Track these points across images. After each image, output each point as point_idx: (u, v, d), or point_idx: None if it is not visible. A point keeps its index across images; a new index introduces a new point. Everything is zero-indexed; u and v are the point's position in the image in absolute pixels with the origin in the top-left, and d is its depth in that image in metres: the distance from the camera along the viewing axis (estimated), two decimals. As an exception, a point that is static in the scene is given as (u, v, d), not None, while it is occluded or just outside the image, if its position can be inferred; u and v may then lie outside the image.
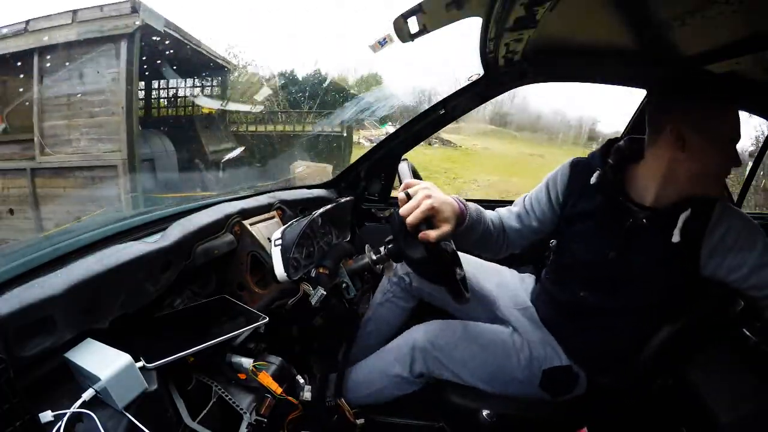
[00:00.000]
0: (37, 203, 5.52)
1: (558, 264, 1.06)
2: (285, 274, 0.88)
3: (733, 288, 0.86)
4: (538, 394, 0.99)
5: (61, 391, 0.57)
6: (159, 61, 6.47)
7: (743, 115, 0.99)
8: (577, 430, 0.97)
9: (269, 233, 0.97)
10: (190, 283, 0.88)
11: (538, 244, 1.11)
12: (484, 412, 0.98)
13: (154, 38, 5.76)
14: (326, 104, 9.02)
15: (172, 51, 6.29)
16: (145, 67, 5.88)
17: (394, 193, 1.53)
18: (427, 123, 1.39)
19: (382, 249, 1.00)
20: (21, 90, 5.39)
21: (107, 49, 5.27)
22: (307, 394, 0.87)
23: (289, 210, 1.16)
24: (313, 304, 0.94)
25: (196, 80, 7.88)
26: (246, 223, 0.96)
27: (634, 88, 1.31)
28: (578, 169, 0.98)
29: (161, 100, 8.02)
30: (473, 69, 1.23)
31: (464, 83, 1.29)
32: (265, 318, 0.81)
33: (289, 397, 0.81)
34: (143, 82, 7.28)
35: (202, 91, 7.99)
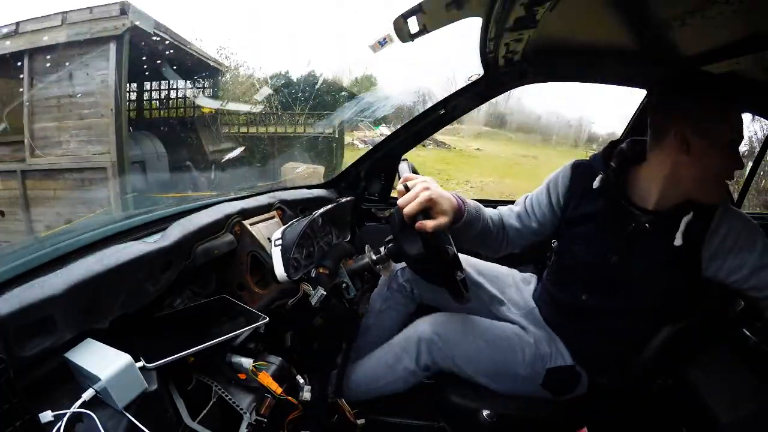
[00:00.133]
0: (27, 205, 5.50)
1: (559, 265, 1.06)
2: (285, 274, 0.88)
3: (733, 289, 0.86)
4: (540, 392, 0.99)
5: (61, 391, 0.57)
6: (149, 63, 6.45)
7: (745, 116, 0.99)
8: (577, 430, 0.97)
9: (269, 233, 0.97)
10: (190, 283, 0.88)
11: (538, 245, 1.12)
12: (485, 412, 0.98)
13: (144, 40, 5.76)
14: (319, 106, 9.00)
15: (161, 52, 6.29)
16: (135, 68, 5.87)
17: (394, 194, 1.53)
18: (427, 123, 1.39)
19: (382, 249, 1.00)
20: (11, 92, 5.39)
21: (96, 51, 5.26)
22: (306, 394, 0.86)
23: (289, 210, 1.16)
24: (313, 304, 0.94)
25: (187, 82, 7.85)
26: (246, 223, 0.95)
27: (632, 89, 1.31)
28: (579, 171, 0.98)
29: (152, 101, 8.00)
30: (473, 69, 1.23)
31: (464, 83, 1.29)
32: (265, 318, 0.81)
33: (289, 397, 0.81)
34: (134, 84, 7.28)
35: (193, 93, 7.98)
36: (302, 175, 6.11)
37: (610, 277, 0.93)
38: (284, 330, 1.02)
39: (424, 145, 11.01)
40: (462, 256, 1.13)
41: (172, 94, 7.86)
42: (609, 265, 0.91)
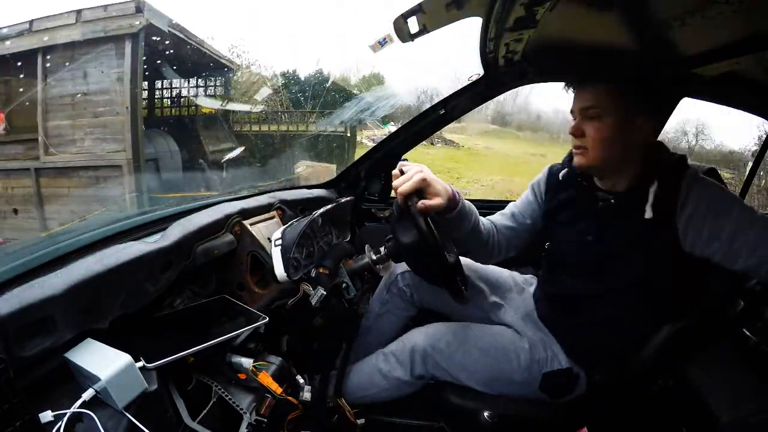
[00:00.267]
0: (41, 203, 5.53)
1: (549, 259, 1.10)
2: (285, 274, 0.88)
3: (717, 263, 0.84)
4: (538, 395, 0.99)
5: (61, 391, 0.57)
6: (163, 61, 6.47)
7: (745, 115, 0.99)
8: (577, 430, 0.97)
9: (269, 233, 0.97)
10: (190, 283, 0.88)
11: (538, 246, 1.12)
12: (485, 413, 0.98)
13: (158, 38, 5.76)
14: (329, 104, 9.02)
15: (176, 51, 6.30)
16: (149, 66, 5.88)
17: (393, 194, 1.53)
18: (427, 123, 1.39)
19: (382, 249, 1.00)
20: (25, 90, 5.39)
21: (111, 49, 5.28)
22: (306, 395, 0.87)
23: (289, 210, 1.16)
24: (313, 304, 0.94)
25: (200, 80, 7.89)
26: (246, 223, 0.96)
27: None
28: (554, 170, 1.09)
29: (165, 100, 8.02)
30: (473, 69, 1.23)
31: (464, 83, 1.30)
32: (265, 318, 0.81)
33: (289, 397, 0.81)
34: (147, 82, 7.29)
35: (205, 91, 8.01)
36: (315, 173, 6.11)
37: (589, 257, 0.96)
38: (284, 331, 1.02)
39: (432, 144, 11.02)
40: (462, 259, 1.14)
41: (185, 93, 7.88)
42: (587, 244, 0.96)
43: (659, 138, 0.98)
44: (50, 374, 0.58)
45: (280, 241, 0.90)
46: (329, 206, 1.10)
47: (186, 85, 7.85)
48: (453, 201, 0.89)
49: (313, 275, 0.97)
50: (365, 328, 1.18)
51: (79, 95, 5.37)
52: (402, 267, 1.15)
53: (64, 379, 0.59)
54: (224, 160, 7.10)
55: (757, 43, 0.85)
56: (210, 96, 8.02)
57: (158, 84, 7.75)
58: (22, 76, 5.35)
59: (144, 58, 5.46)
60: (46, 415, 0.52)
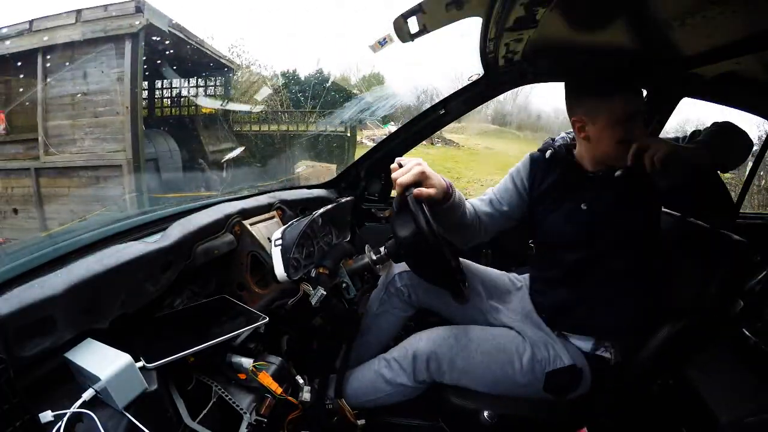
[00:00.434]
0: (41, 203, 5.52)
1: (540, 247, 1.15)
2: (285, 274, 0.88)
3: None
4: (542, 395, 0.99)
5: (61, 391, 0.57)
6: (163, 61, 6.47)
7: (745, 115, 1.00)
8: (577, 430, 0.97)
9: (269, 233, 0.97)
10: (190, 283, 0.88)
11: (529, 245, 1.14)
12: (485, 413, 0.98)
13: (158, 38, 5.75)
14: (328, 104, 9.01)
15: (176, 50, 6.29)
16: (149, 66, 5.87)
17: (394, 193, 1.53)
18: (428, 123, 1.39)
19: (382, 249, 1.00)
20: (25, 90, 5.39)
21: (111, 49, 5.26)
22: (306, 395, 0.86)
23: (289, 210, 1.16)
24: (313, 304, 0.94)
25: (200, 80, 7.88)
26: (246, 223, 0.95)
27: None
28: (536, 157, 1.14)
29: (165, 99, 8.01)
30: (473, 69, 1.23)
31: (465, 83, 1.30)
32: (265, 318, 0.81)
33: (289, 397, 0.81)
34: (147, 82, 7.27)
35: (205, 91, 8.00)
36: (316, 173, 6.11)
37: (583, 225, 1.01)
38: (284, 331, 1.02)
39: (432, 143, 11.00)
40: (460, 260, 1.14)
41: (185, 92, 7.88)
42: (579, 213, 1.02)
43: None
44: (50, 374, 0.58)
45: (280, 241, 0.90)
46: (329, 206, 1.10)
47: (186, 84, 7.84)
48: (447, 193, 0.92)
49: (313, 275, 0.97)
50: (364, 328, 1.18)
51: (79, 95, 5.35)
52: (400, 267, 1.15)
53: (64, 379, 0.59)
54: (224, 160, 7.09)
55: (757, 43, 0.85)
56: (210, 96, 8.01)
57: (158, 84, 7.74)
58: (22, 76, 5.34)
59: (144, 58, 5.45)
60: (46, 415, 0.52)
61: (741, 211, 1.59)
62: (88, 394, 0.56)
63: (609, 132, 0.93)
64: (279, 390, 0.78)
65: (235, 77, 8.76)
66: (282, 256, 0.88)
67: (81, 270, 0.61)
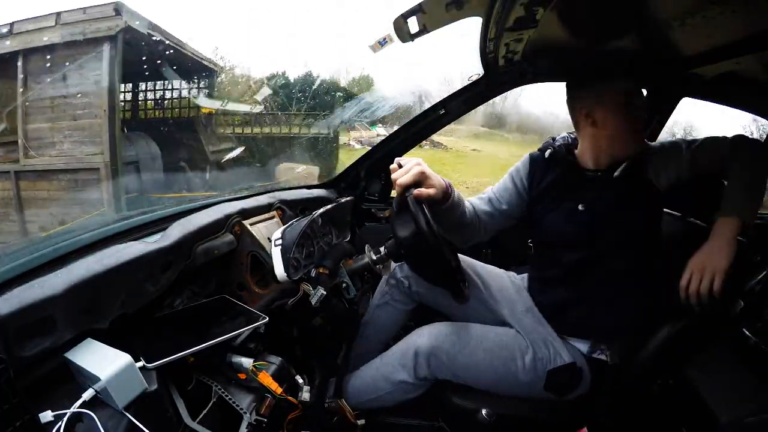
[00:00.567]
0: (21, 206, 5.48)
1: (539, 247, 1.15)
2: (285, 274, 0.88)
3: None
4: (543, 394, 0.99)
5: (61, 391, 0.57)
6: (143, 64, 6.41)
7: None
8: (577, 430, 0.97)
9: (269, 233, 0.97)
10: (190, 283, 0.88)
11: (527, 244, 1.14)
12: (483, 411, 0.98)
13: (138, 40, 5.72)
14: (317, 107, 8.98)
15: (155, 53, 6.25)
16: (129, 69, 5.83)
17: (394, 193, 1.53)
18: (428, 123, 1.39)
19: (382, 249, 1.00)
20: (4, 93, 5.37)
21: (90, 52, 5.23)
22: (306, 395, 0.86)
23: (289, 210, 1.16)
24: (313, 304, 0.94)
25: (182, 82, 7.78)
26: (246, 223, 0.96)
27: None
28: (535, 157, 1.15)
29: (149, 102, 7.94)
30: (473, 69, 1.23)
31: (464, 83, 1.30)
32: (265, 318, 0.81)
33: (289, 397, 0.81)
34: (130, 84, 7.23)
35: (189, 93, 7.93)
36: (297, 176, 6.12)
37: (581, 226, 1.02)
38: (284, 331, 1.02)
39: (420, 146, 10.98)
40: (461, 257, 1.13)
41: (168, 95, 7.82)
42: (578, 214, 1.03)
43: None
44: (50, 374, 0.58)
45: (280, 241, 0.90)
46: (329, 206, 1.10)
47: (168, 87, 7.76)
48: (447, 193, 0.93)
49: (313, 275, 0.97)
50: (364, 323, 1.18)
51: (58, 98, 5.32)
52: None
53: (64, 379, 0.59)
54: (207, 162, 7.06)
55: (757, 43, 0.85)
56: (193, 98, 7.95)
57: (142, 86, 7.66)
58: (2, 79, 5.31)
59: (123, 60, 5.41)
60: (46, 415, 0.52)
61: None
62: (88, 394, 0.56)
63: (614, 113, 0.97)
64: (279, 390, 0.78)
65: (219, 79, 8.68)
66: (282, 256, 0.88)
67: (81, 270, 0.61)
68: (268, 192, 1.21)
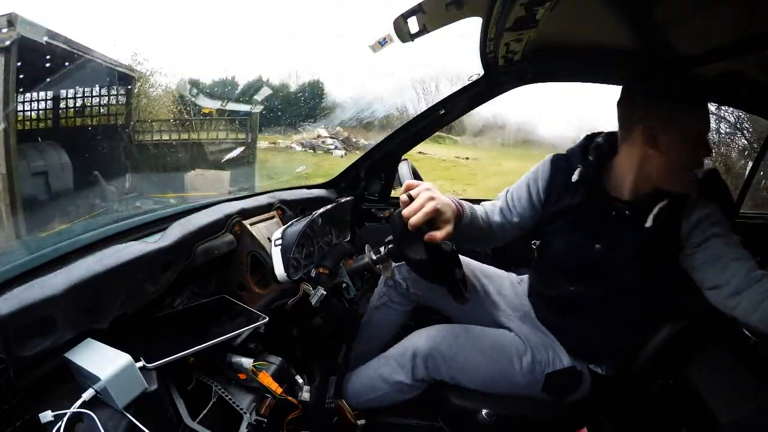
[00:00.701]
0: None
1: (542, 261, 1.07)
2: (285, 274, 0.88)
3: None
4: (541, 396, 0.99)
5: (61, 391, 0.57)
6: (47, 73, 6.37)
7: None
8: (577, 430, 0.96)
9: (269, 233, 0.97)
10: (190, 283, 0.88)
11: (528, 246, 1.12)
12: (483, 411, 0.98)
13: (38, 50, 5.68)
14: (235, 111, 8.87)
15: (58, 61, 6.16)
16: (30, 79, 5.76)
17: (394, 194, 1.53)
18: (427, 123, 1.39)
19: (382, 249, 1.00)
20: None
21: None
22: (306, 395, 0.86)
23: (289, 210, 1.16)
24: (313, 304, 0.94)
25: (95, 89, 7.60)
26: (246, 223, 0.96)
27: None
28: (558, 165, 1.00)
29: (61, 111, 7.77)
30: (473, 69, 1.23)
31: (465, 83, 1.30)
32: (265, 318, 0.81)
33: (289, 397, 0.81)
34: (35, 94, 7.10)
35: (99, 101, 7.76)
36: (205, 181, 6.21)
37: (594, 264, 0.94)
38: (284, 330, 1.02)
39: (357, 149, 11.04)
40: (461, 258, 1.13)
41: (79, 103, 7.67)
42: (594, 252, 0.93)
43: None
44: (50, 374, 0.58)
45: (280, 241, 0.90)
46: (329, 206, 1.10)
47: (78, 95, 7.59)
48: (458, 218, 0.86)
49: (313, 275, 0.97)
50: (363, 324, 1.18)
51: None
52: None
53: (64, 379, 0.59)
54: (121, 170, 6.98)
55: (757, 43, 0.85)
56: (105, 106, 7.83)
57: (41, 95, 7.51)
58: None
59: (28, 70, 5.35)
60: (46, 415, 0.52)
61: (741, 210, 1.58)
62: (88, 394, 0.56)
63: (683, 143, 0.84)
64: (279, 390, 0.78)
65: (137, 85, 8.56)
66: (282, 256, 0.88)
67: (81, 270, 0.61)
68: (268, 192, 1.21)
